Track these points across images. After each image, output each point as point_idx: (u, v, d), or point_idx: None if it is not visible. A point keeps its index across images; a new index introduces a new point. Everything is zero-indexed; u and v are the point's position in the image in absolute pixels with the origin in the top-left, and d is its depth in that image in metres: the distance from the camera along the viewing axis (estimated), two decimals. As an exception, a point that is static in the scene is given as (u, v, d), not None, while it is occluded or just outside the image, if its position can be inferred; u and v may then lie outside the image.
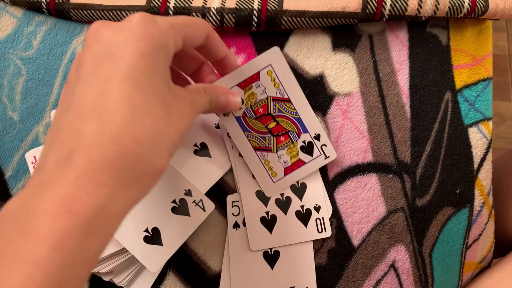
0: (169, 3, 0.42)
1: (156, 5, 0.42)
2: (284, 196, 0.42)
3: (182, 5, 0.42)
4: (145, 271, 0.41)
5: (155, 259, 0.39)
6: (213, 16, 0.42)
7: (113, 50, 0.26)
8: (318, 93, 0.44)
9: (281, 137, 0.41)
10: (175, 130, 0.28)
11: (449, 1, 0.43)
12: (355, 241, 0.43)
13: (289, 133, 0.41)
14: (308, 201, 0.42)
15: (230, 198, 0.42)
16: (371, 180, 0.43)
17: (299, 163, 0.41)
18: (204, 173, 0.41)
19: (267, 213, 0.42)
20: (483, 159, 0.46)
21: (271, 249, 0.41)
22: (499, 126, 1.13)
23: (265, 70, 0.39)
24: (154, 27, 0.27)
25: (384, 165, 0.44)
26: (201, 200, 0.40)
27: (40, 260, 0.21)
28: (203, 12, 0.42)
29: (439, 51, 0.46)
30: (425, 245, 0.44)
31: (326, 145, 0.41)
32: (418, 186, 0.44)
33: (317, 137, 0.41)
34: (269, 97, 0.40)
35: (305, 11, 0.43)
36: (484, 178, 0.46)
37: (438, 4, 0.43)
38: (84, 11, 0.43)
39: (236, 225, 0.42)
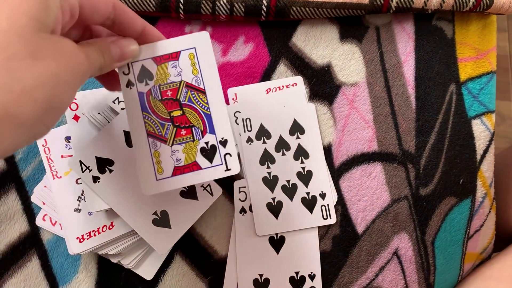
0: (180, -9, 0.43)
1: (167, -8, 0.43)
2: (291, 182, 0.43)
3: (193, -7, 0.43)
4: (153, 254, 0.41)
5: (163, 241, 0.39)
6: (223, 5, 0.43)
7: None
8: (325, 82, 0.45)
9: (183, 130, 0.35)
10: (45, 72, 0.24)
11: (456, -6, 0.44)
12: (360, 229, 0.43)
13: (193, 129, 0.35)
14: (314, 188, 0.43)
15: (237, 184, 0.43)
16: (376, 169, 0.44)
17: (194, 167, 0.34)
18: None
19: (273, 199, 0.42)
20: (485, 151, 0.47)
21: (276, 234, 0.42)
22: (499, 125, 1.14)
23: (187, 52, 0.35)
24: None
25: (389, 154, 0.44)
26: (209, 185, 0.41)
27: None
28: (213, 1, 0.43)
29: (444, 44, 0.47)
30: (428, 233, 0.44)
31: (231, 155, 0.34)
32: (422, 175, 0.45)
33: (223, 143, 0.35)
34: (182, 82, 0.35)
35: (314, 1, 0.44)
36: (487, 169, 0.47)
37: (445, -3, 0.44)
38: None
39: (242, 210, 0.42)
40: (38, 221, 0.42)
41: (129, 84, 0.34)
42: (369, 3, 0.44)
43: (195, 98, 0.35)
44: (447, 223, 0.45)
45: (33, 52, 0.24)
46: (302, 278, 0.42)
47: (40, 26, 0.25)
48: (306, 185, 0.43)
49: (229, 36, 0.45)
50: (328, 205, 0.43)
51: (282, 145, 0.43)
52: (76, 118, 0.42)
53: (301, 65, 0.45)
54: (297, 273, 0.42)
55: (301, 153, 0.43)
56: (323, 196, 0.43)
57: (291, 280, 0.42)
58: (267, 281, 0.42)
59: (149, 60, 0.34)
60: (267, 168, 0.43)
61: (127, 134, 0.40)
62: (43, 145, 0.42)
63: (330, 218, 0.43)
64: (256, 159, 0.43)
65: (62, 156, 0.42)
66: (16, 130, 0.23)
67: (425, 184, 0.45)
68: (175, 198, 0.40)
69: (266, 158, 0.43)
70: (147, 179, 0.34)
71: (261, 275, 0.42)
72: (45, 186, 0.42)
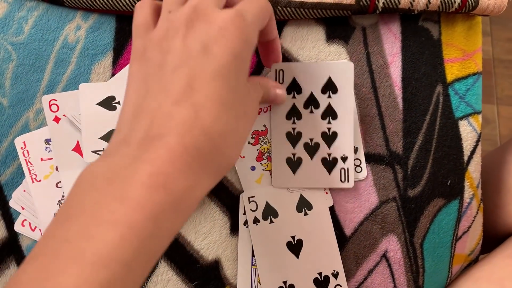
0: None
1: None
2: (314, 141, 0.42)
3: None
4: (136, 259, 0.40)
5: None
6: (208, 4, 0.42)
7: (207, 43, 0.28)
8: (312, 83, 0.44)
9: None
10: (248, 128, 0.30)
11: (441, -5, 0.44)
12: (347, 231, 0.43)
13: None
14: (336, 150, 0.42)
15: (245, 195, 0.42)
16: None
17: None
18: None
19: (293, 154, 0.42)
20: (472, 152, 0.47)
21: (293, 237, 0.41)
22: (484, 129, 1.15)
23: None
24: (245, 26, 0.29)
25: (376, 155, 0.44)
26: None
27: (136, 226, 0.23)
28: (198, 0, 0.42)
29: (430, 44, 0.47)
30: (416, 235, 0.44)
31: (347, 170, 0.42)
32: (410, 177, 0.44)
33: (344, 159, 0.42)
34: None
35: (300, 1, 0.43)
36: (474, 170, 0.47)
37: (431, -3, 0.44)
38: (77, -4, 0.42)
39: (256, 220, 0.41)
40: (17, 227, 0.40)
41: None
42: (355, 4, 0.44)
43: None
44: (435, 224, 0.44)
45: (245, 111, 0.29)
46: (326, 278, 0.41)
47: (246, 82, 0.30)
48: (329, 146, 0.42)
49: (214, 37, 0.44)
50: (347, 168, 0.42)
51: (311, 102, 0.42)
52: (56, 120, 0.41)
53: (287, 66, 0.44)
54: (320, 273, 0.41)
55: (329, 113, 0.42)
56: (344, 159, 0.42)
57: (316, 281, 0.41)
58: (292, 287, 0.41)
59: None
60: (292, 123, 0.42)
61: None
62: (21, 148, 0.40)
63: (348, 181, 0.42)
64: (283, 113, 0.42)
65: (41, 159, 0.40)
66: (228, 171, 0.29)
67: (413, 186, 0.44)
68: None
69: (293, 113, 0.42)
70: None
71: (285, 282, 0.41)
72: (24, 191, 0.41)
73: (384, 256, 0.43)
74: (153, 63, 0.29)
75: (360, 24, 0.46)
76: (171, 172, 0.24)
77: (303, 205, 0.42)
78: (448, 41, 0.47)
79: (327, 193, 0.42)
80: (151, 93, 0.28)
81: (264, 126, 0.43)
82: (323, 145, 0.42)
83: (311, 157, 0.42)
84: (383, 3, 0.44)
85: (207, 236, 0.42)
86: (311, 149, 0.42)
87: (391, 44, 0.46)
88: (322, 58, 0.45)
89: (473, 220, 0.47)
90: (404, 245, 0.44)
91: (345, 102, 0.42)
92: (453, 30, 0.48)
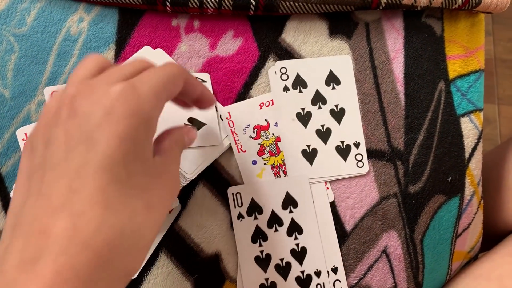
0: (167, -17, 0.42)
1: (154, -16, 0.42)
2: (284, 261, 0.41)
3: (181, -15, 0.42)
4: (136, 252, 0.40)
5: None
6: (211, -2, 0.42)
7: (89, 131, 0.23)
8: (314, 78, 0.44)
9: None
10: (154, 225, 0.25)
11: (445, -8, 0.44)
12: (348, 226, 0.43)
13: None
14: (309, 266, 0.41)
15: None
16: (365, 166, 0.44)
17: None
18: (199, 154, 0.41)
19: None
20: (474, 149, 0.47)
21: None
22: (485, 128, 1.14)
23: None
24: (136, 101, 0.24)
25: (377, 151, 0.44)
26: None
27: None
28: (201, -7, 0.42)
29: (433, 41, 0.47)
30: (416, 231, 0.44)
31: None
32: (411, 173, 0.44)
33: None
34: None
35: (303, -4, 0.43)
36: (475, 168, 0.47)
37: (434, -7, 0.44)
38: (80, -12, 0.42)
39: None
40: (18, 218, 0.40)
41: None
42: (359, -1, 0.44)
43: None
44: (435, 221, 0.44)
45: (148, 204, 0.25)
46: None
47: (148, 164, 0.26)
48: (301, 263, 0.41)
49: (217, 30, 0.44)
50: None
51: (274, 219, 0.42)
52: (58, 111, 0.40)
53: (290, 60, 0.44)
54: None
55: (294, 228, 0.42)
56: (357, 145, 0.43)
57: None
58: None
59: None
60: (259, 246, 0.41)
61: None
62: (23, 140, 0.40)
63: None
64: (247, 237, 0.41)
65: (43, 151, 0.40)
66: (127, 281, 0.24)
67: (414, 182, 0.44)
68: None
69: (258, 235, 0.41)
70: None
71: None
72: (25, 182, 0.40)
73: (384, 252, 0.43)
74: (37, 157, 0.25)
75: (363, 19, 0.46)
76: None
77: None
78: (451, 38, 0.47)
79: (328, 188, 0.43)
80: (31, 197, 0.24)
81: (266, 120, 0.43)
82: (294, 263, 0.41)
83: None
84: (386, -1, 0.43)
85: (208, 230, 0.42)
86: (284, 269, 0.41)
87: (393, 40, 0.46)
88: (324, 53, 0.45)
89: (473, 217, 0.47)
90: (404, 241, 0.44)
91: (307, 212, 0.42)
92: (456, 27, 0.47)
